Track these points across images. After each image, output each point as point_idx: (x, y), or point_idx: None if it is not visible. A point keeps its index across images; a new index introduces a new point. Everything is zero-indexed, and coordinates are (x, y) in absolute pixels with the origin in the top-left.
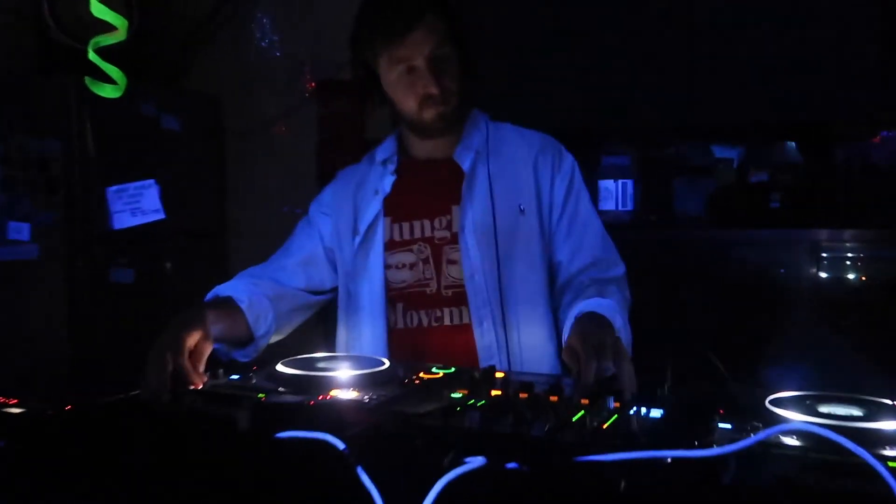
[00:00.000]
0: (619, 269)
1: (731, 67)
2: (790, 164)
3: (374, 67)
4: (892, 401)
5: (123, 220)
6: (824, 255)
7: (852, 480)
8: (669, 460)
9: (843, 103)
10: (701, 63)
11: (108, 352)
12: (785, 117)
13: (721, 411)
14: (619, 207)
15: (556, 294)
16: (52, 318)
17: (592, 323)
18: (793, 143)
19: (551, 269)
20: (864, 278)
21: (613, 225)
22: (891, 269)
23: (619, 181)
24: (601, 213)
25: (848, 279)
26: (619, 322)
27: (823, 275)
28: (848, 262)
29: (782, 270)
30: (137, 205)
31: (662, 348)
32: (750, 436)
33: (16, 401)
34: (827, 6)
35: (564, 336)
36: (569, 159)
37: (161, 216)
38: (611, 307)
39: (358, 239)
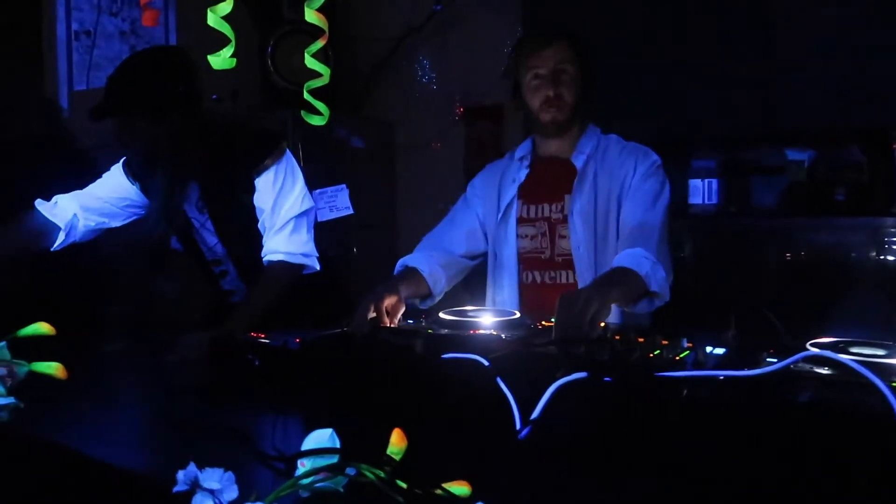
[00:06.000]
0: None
1: (801, 83)
2: (854, 164)
3: (519, 78)
4: None
5: (324, 214)
6: (886, 239)
7: (861, 396)
8: (722, 378)
9: None
10: (775, 81)
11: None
12: (849, 124)
13: (771, 350)
14: (706, 201)
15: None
16: None
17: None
18: (856, 146)
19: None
20: None
21: (701, 215)
22: None
23: (706, 180)
24: (691, 207)
25: None
26: (647, 267)
27: (882, 257)
28: None
29: (851, 253)
30: (334, 203)
31: (739, 313)
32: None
33: (263, 335)
34: (887, 33)
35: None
36: (652, 157)
37: (350, 212)
38: (639, 254)
39: (500, 214)
